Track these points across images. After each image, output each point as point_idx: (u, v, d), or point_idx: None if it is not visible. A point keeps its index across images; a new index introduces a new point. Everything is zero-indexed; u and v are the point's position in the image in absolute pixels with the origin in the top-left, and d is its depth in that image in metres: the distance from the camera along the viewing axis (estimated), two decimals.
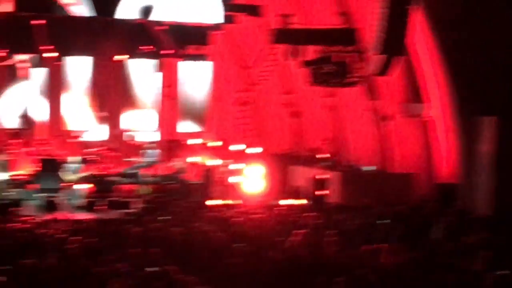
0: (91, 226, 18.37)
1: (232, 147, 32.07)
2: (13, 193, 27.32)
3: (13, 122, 30.25)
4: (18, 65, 30.48)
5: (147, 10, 27.85)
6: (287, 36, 25.52)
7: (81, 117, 31.13)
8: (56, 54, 30.25)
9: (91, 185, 29.07)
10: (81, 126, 31.17)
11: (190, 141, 32.37)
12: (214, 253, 15.47)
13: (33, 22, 28.62)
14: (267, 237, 17.31)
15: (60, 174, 27.89)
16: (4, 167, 26.64)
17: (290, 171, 30.06)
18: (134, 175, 29.15)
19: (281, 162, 30.84)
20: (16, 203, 25.15)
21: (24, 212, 23.87)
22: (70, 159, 27.85)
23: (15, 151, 30.46)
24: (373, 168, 26.55)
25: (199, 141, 32.34)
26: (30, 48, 29.67)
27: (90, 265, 13.76)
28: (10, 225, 18.00)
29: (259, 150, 31.17)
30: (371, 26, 19.31)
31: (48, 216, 20.74)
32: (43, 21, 28.73)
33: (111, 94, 32.28)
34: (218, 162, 30.38)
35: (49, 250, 14.78)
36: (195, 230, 17.97)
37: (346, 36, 23.69)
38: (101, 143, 31.94)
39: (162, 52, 31.08)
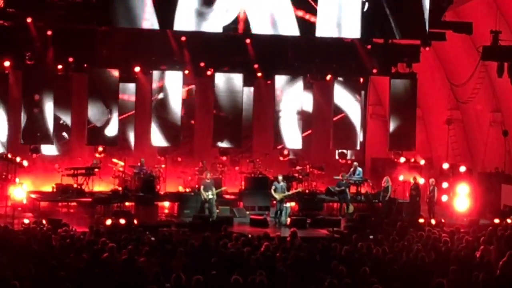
0: (299, 244, 18.64)
1: (440, 165, 31.63)
2: (224, 211, 28.15)
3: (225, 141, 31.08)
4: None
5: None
6: (496, 53, 24.97)
7: (287, 135, 31.55)
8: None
9: (298, 203, 29.54)
10: (288, 144, 31.58)
11: (397, 159, 32.19)
12: (420, 272, 15.39)
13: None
14: (476, 257, 16.99)
15: (269, 192, 28.44)
16: (214, 185, 27.39)
17: (501, 190, 29.33)
18: (340, 193, 29.29)
19: (490, 180, 30.11)
20: (227, 220, 25.87)
21: (235, 229, 24.57)
22: (277, 177, 28.32)
23: (223, 169, 31.41)
24: None
25: (406, 159, 32.06)
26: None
27: (298, 282, 14.04)
28: (222, 242, 18.56)
29: (466, 168, 30.55)
30: None
31: (259, 233, 21.17)
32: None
33: (317, 113, 32.55)
34: (425, 180, 30.02)
35: (258, 266, 15.15)
36: (402, 249, 17.91)
37: None
38: (307, 161, 32.29)
39: (370, 70, 30.98)
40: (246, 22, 27.17)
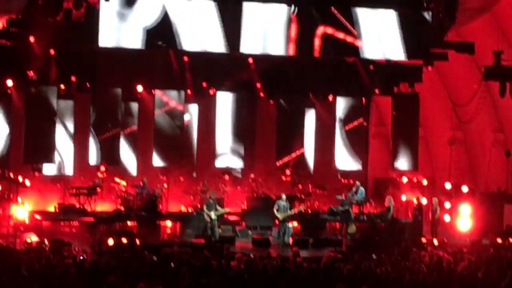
0: (301, 263, 18.59)
1: (443, 185, 31.59)
2: (226, 230, 28.09)
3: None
4: None
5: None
6: (498, 73, 25.02)
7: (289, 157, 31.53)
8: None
9: (301, 223, 29.50)
10: (290, 164, 31.55)
11: (400, 179, 32.18)
12: None
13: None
14: (479, 278, 16.93)
15: (271, 211, 28.41)
16: (216, 205, 27.38)
17: (504, 210, 29.27)
18: (343, 213, 29.27)
19: (493, 200, 30.06)
20: (230, 240, 25.83)
21: (237, 249, 24.52)
22: (280, 196, 28.30)
23: (226, 189, 31.38)
24: None
25: (409, 179, 32.07)
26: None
27: None
28: (224, 262, 18.52)
29: (468, 188, 30.51)
30: None
31: (261, 253, 21.13)
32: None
33: (320, 133, 32.55)
34: (428, 200, 30.00)
35: (260, 287, 15.12)
36: (404, 269, 17.85)
37: None
38: (309, 181, 32.25)
39: (373, 90, 30.96)
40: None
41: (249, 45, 27.12)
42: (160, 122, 30.47)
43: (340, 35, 27.21)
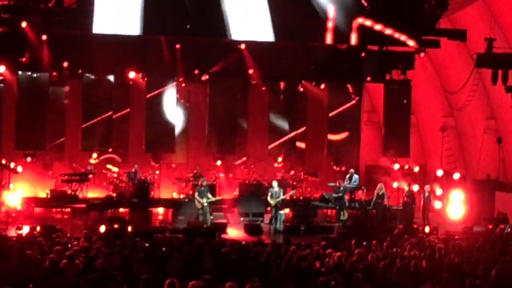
0: (293, 250, 18.63)
1: (434, 172, 31.64)
2: (218, 217, 28.13)
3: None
4: None
5: None
6: (490, 60, 25.02)
7: (280, 141, 31.56)
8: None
9: (292, 209, 29.53)
10: (280, 150, 31.58)
11: (391, 166, 32.22)
12: (414, 279, 15.38)
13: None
14: (470, 264, 17.00)
15: (263, 198, 28.45)
16: (209, 192, 27.39)
17: (495, 197, 29.35)
18: (334, 200, 29.31)
19: (484, 187, 30.13)
20: (222, 227, 25.86)
21: (229, 235, 24.56)
22: (272, 183, 28.34)
23: (218, 175, 31.39)
24: None
25: (400, 166, 32.12)
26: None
27: None
28: (216, 248, 18.55)
29: (460, 175, 30.57)
30: None
31: (253, 239, 21.15)
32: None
33: (312, 119, 32.58)
34: (420, 187, 30.05)
35: (252, 273, 15.14)
36: (395, 255, 17.91)
37: None
38: (301, 167, 32.30)
39: (365, 77, 30.90)
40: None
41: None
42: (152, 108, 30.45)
43: None
